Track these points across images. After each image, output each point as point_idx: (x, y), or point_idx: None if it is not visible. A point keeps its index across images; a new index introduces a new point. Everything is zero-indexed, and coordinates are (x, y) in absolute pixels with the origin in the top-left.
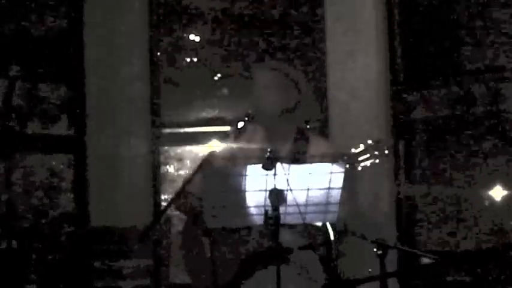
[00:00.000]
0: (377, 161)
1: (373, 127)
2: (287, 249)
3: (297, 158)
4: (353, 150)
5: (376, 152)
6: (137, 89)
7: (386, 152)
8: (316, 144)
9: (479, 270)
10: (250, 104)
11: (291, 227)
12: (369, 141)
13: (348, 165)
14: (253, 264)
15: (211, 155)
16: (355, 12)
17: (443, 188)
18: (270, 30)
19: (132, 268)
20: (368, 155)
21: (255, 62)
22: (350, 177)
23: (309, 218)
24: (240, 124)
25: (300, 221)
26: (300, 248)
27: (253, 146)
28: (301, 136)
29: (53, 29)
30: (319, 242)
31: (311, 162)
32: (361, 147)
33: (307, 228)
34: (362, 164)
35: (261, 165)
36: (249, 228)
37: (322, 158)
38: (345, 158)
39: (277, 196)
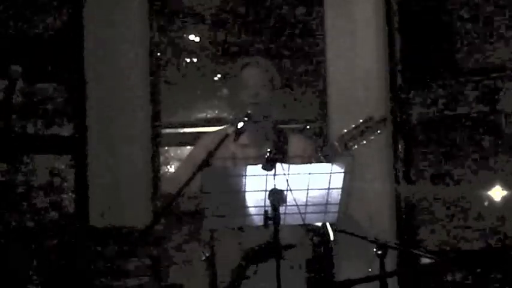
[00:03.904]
0: (372, 137)
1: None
2: (288, 246)
3: (277, 157)
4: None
5: (370, 129)
6: (137, 89)
7: (378, 128)
8: (296, 144)
9: (479, 270)
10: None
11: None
12: (360, 120)
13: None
14: (253, 262)
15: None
16: (354, 13)
17: (443, 188)
18: (270, 29)
19: (132, 268)
20: (353, 138)
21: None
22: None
23: (309, 218)
24: (240, 124)
25: (300, 221)
26: (285, 248)
27: (239, 145)
28: (280, 136)
29: (53, 29)
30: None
31: (292, 162)
32: (345, 131)
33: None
34: (356, 145)
35: (260, 165)
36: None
37: (304, 158)
38: (331, 150)
39: (277, 196)
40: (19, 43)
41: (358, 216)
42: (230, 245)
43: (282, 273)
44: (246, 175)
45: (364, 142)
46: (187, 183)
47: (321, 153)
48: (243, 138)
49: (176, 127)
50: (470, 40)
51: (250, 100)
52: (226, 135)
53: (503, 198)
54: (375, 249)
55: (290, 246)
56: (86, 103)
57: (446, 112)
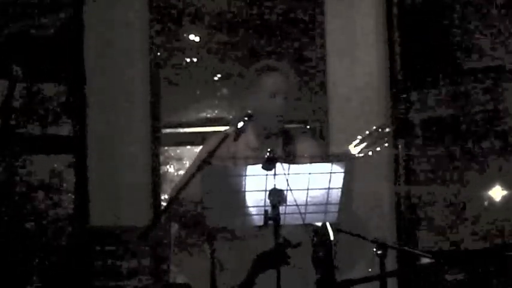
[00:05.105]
0: (378, 149)
1: (372, 127)
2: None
3: (285, 158)
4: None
5: (378, 140)
6: (137, 89)
7: (385, 139)
8: (303, 145)
9: (479, 270)
10: (253, 107)
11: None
12: (374, 127)
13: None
14: (263, 265)
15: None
16: (354, 12)
17: (443, 188)
18: (270, 30)
19: (132, 268)
20: (366, 144)
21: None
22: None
23: (309, 218)
24: (240, 124)
25: (300, 221)
26: (295, 246)
27: (245, 146)
28: (287, 137)
29: (53, 29)
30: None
31: (299, 163)
32: (357, 139)
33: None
34: (362, 154)
35: (260, 165)
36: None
37: (310, 158)
38: (338, 156)
39: (277, 196)
40: (19, 43)
41: (358, 216)
42: (232, 246)
43: (289, 276)
44: (246, 175)
45: (378, 148)
46: (187, 183)
47: (335, 159)
48: (253, 141)
49: (176, 127)
50: (471, 40)
51: (267, 106)
52: (226, 136)
53: (503, 198)
54: (374, 249)
55: (298, 245)
56: (86, 103)
57: (446, 112)
